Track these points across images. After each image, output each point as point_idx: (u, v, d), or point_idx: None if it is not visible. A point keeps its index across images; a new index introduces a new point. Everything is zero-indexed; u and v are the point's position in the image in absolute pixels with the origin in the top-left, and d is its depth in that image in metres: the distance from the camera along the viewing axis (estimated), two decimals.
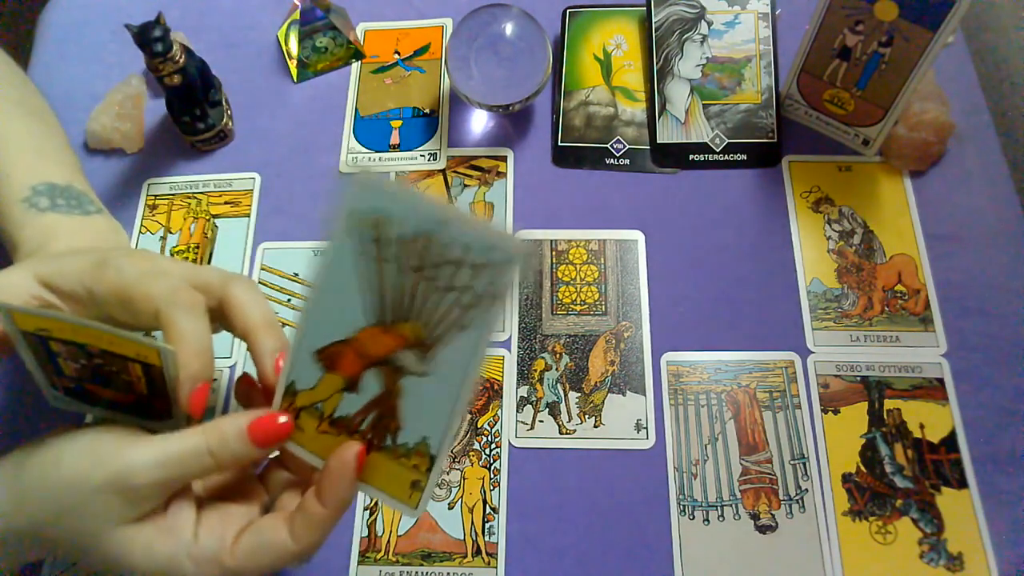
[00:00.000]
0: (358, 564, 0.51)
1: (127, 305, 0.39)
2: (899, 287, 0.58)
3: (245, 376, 0.41)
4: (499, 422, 0.54)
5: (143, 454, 0.35)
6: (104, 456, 0.35)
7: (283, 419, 0.37)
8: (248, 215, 0.63)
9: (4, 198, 0.50)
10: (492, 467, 0.53)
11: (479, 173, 0.63)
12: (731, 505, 0.51)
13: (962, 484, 0.51)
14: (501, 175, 0.63)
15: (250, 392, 0.41)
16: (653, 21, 0.66)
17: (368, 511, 0.52)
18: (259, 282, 0.60)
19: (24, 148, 0.54)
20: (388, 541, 0.51)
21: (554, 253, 0.60)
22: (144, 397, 0.39)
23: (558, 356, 0.56)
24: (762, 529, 0.51)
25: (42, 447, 0.36)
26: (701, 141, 0.63)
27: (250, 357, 0.40)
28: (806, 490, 0.52)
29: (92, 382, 0.39)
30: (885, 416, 0.54)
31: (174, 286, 0.39)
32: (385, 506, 0.35)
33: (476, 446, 0.54)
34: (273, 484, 0.41)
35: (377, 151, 0.65)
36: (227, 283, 0.40)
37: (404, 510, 0.37)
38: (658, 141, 0.63)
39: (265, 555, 0.36)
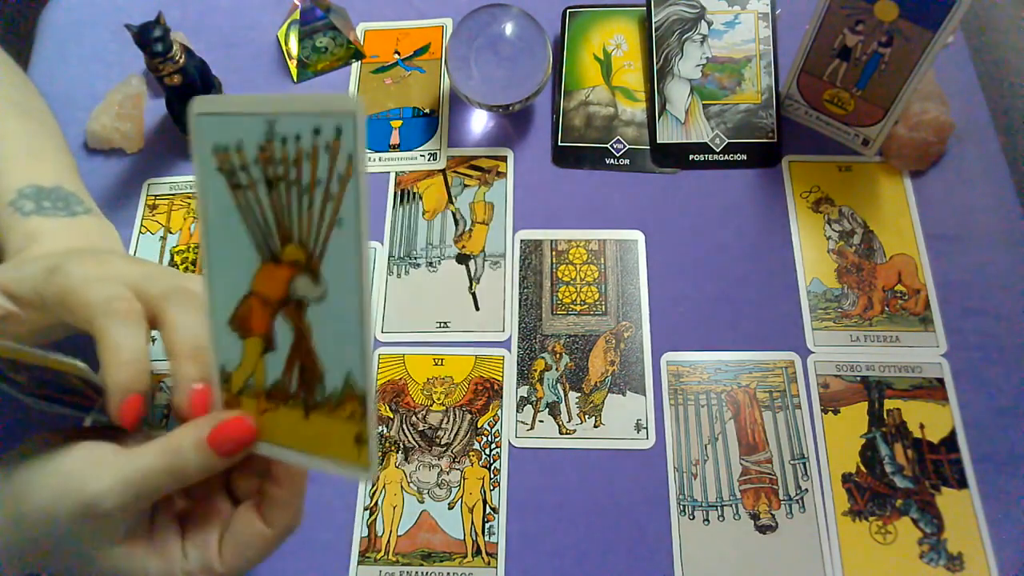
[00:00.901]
0: (358, 564, 0.51)
1: (69, 312, 0.38)
2: (899, 287, 0.58)
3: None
4: (499, 422, 0.54)
5: (106, 480, 0.33)
6: (69, 487, 0.34)
7: (248, 420, 0.34)
8: None
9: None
10: (492, 467, 0.53)
11: (479, 173, 0.63)
12: (731, 505, 0.51)
13: (962, 484, 0.51)
14: (501, 175, 0.63)
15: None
16: (653, 21, 0.66)
17: (368, 511, 0.52)
18: None
19: (15, 149, 0.53)
20: (388, 541, 0.51)
21: (554, 253, 0.60)
22: (83, 401, 0.39)
23: (558, 356, 0.56)
24: (762, 529, 0.51)
25: (11, 478, 0.36)
26: (701, 141, 0.63)
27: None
28: (806, 490, 0.52)
29: (49, 389, 0.38)
30: (885, 416, 0.54)
31: (111, 294, 0.38)
32: (336, 474, 0.32)
33: (476, 446, 0.54)
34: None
35: (377, 151, 0.65)
36: (165, 298, 0.39)
37: (356, 473, 0.32)
38: (658, 141, 0.63)
39: (250, 550, 0.36)
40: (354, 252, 0.29)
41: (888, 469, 0.52)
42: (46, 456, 0.36)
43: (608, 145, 0.64)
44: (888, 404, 0.54)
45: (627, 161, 0.63)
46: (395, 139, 0.65)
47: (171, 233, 0.62)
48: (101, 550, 0.35)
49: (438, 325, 0.58)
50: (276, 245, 0.31)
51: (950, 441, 0.53)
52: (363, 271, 0.29)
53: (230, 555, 0.36)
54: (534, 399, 0.55)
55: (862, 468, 0.52)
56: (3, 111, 0.55)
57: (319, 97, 0.28)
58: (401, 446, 0.54)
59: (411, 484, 0.53)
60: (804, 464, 0.52)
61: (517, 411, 0.55)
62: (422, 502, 0.52)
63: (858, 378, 0.55)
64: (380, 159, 0.64)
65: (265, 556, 0.36)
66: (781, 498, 0.52)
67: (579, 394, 0.55)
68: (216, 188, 0.31)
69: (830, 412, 0.54)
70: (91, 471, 0.34)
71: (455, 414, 0.55)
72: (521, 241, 0.61)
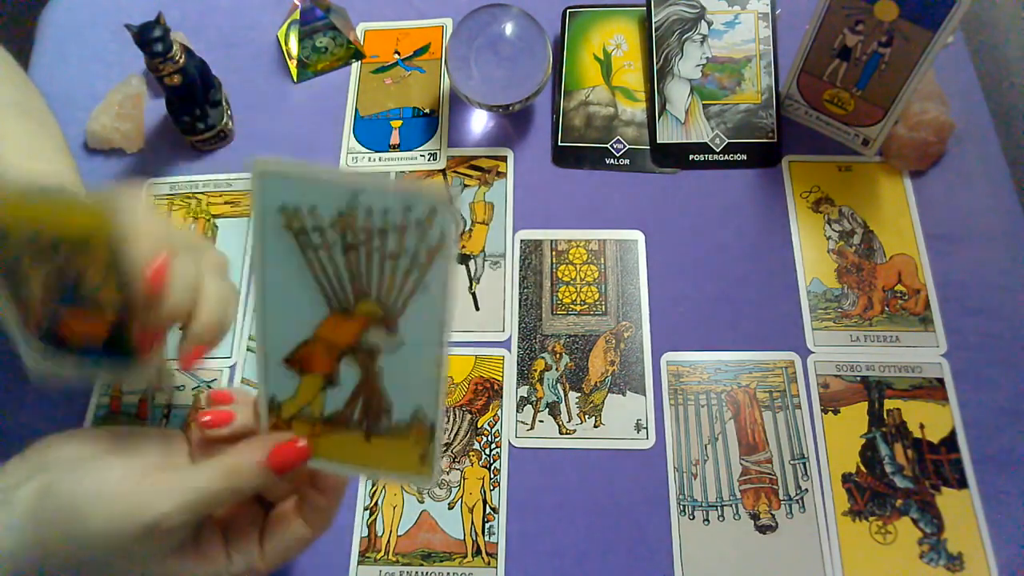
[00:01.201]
0: (358, 564, 0.51)
1: None
2: (899, 287, 0.58)
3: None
4: (499, 422, 0.54)
5: (168, 503, 0.35)
6: (132, 510, 0.35)
7: (301, 443, 0.37)
8: (248, 215, 0.63)
9: None
10: (492, 467, 0.53)
11: (479, 173, 0.63)
12: (731, 505, 0.51)
13: (962, 484, 0.51)
14: (501, 175, 0.63)
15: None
16: (653, 21, 0.66)
17: (368, 511, 0.52)
18: None
19: (15, 150, 0.53)
20: (388, 541, 0.51)
21: (554, 253, 0.60)
22: (116, 322, 0.38)
23: (558, 356, 0.56)
24: (762, 529, 0.51)
25: (56, 493, 0.36)
26: (701, 141, 0.63)
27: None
28: (806, 490, 0.52)
29: (62, 303, 0.38)
30: (885, 416, 0.54)
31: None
32: (400, 484, 0.36)
33: (476, 446, 0.54)
34: None
35: (377, 151, 0.65)
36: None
37: (418, 482, 0.37)
38: (658, 141, 0.63)
39: (292, 550, 0.39)
40: (439, 312, 0.33)
41: (888, 469, 0.52)
42: (94, 470, 0.37)
43: (608, 145, 0.64)
44: (888, 404, 0.54)
45: (627, 161, 0.63)
46: (395, 139, 0.65)
47: None
48: (154, 563, 0.36)
49: None
50: (349, 301, 0.34)
51: (950, 441, 0.53)
52: (445, 329, 0.33)
53: (272, 554, 0.38)
54: (534, 399, 0.55)
55: (862, 468, 0.52)
56: (3, 111, 0.55)
57: (410, 183, 0.32)
58: None
59: (411, 484, 0.53)
60: (804, 464, 0.52)
61: (517, 411, 0.55)
62: (422, 502, 0.52)
63: (858, 378, 0.55)
64: (380, 159, 0.64)
65: (302, 553, 0.40)
66: (781, 498, 0.52)
67: (579, 394, 0.55)
68: (280, 244, 0.33)
69: (830, 412, 0.54)
70: (153, 493, 0.35)
71: (455, 414, 0.55)
72: (521, 241, 0.61)
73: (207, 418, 0.39)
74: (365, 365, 0.35)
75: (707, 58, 0.66)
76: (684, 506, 0.51)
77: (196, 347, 0.41)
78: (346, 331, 0.34)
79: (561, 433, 0.54)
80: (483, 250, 0.60)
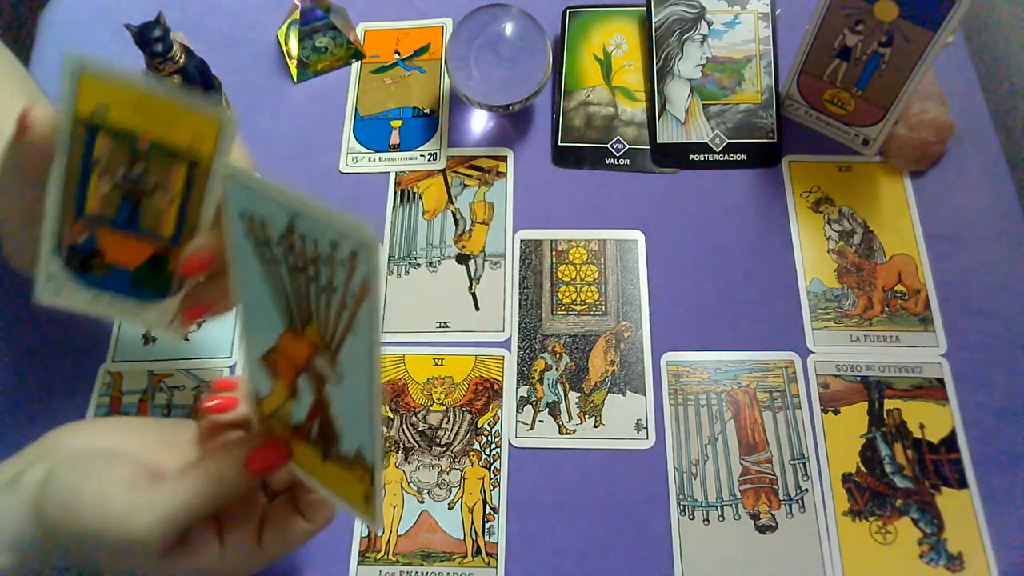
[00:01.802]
0: (358, 564, 0.51)
1: None
2: (899, 287, 0.58)
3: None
4: (499, 422, 0.54)
5: (147, 518, 0.35)
6: (110, 526, 0.35)
7: (281, 446, 0.37)
8: None
9: None
10: (492, 467, 0.53)
11: (479, 173, 0.63)
12: (731, 505, 0.51)
13: (962, 484, 0.51)
14: (501, 175, 0.63)
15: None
16: (653, 21, 0.66)
17: None
18: None
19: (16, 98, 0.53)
20: (388, 541, 0.51)
21: (554, 253, 0.60)
22: (158, 254, 0.38)
23: (558, 356, 0.56)
24: (762, 529, 0.51)
25: (55, 488, 0.36)
26: (701, 141, 0.63)
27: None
28: (806, 490, 0.52)
29: (113, 224, 0.38)
30: (885, 416, 0.54)
31: None
32: (346, 512, 0.36)
33: (476, 446, 0.54)
34: None
35: (377, 151, 0.65)
36: None
37: (365, 521, 0.36)
38: (658, 141, 0.63)
39: (292, 542, 0.39)
40: (367, 359, 0.31)
41: (888, 469, 0.52)
42: (96, 469, 0.37)
43: (608, 145, 0.64)
44: (888, 404, 0.54)
45: (627, 161, 0.63)
46: (395, 139, 0.65)
47: None
48: (145, 561, 0.36)
49: (438, 325, 0.58)
50: (298, 322, 0.33)
51: (950, 441, 0.53)
52: (375, 374, 0.31)
53: (271, 545, 0.38)
54: (534, 399, 0.55)
55: (862, 468, 0.52)
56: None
57: (341, 216, 0.29)
58: (401, 446, 0.54)
59: (411, 484, 0.53)
60: (804, 464, 0.52)
61: (517, 411, 0.55)
62: (422, 502, 0.52)
63: (858, 378, 0.55)
64: (380, 159, 0.64)
65: (304, 544, 0.40)
66: (781, 498, 0.52)
67: (579, 394, 0.55)
68: (244, 248, 0.32)
69: (830, 412, 0.54)
70: (133, 510, 0.35)
71: (455, 414, 0.55)
72: (521, 241, 0.61)
73: (214, 402, 0.39)
74: (317, 388, 0.34)
75: (707, 58, 0.66)
76: (684, 506, 0.51)
77: (209, 301, 0.41)
78: (299, 349, 0.33)
79: (561, 433, 0.54)
80: (483, 250, 0.60)
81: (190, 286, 0.41)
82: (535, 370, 0.56)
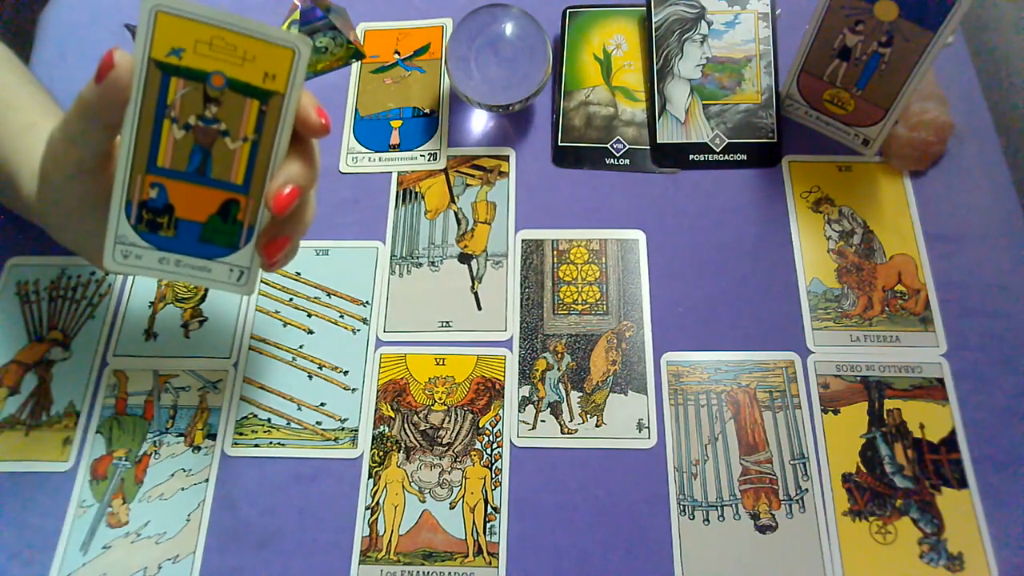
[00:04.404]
0: (359, 564, 0.51)
1: None
2: (899, 287, 0.58)
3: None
4: (500, 422, 0.55)
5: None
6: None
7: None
8: None
9: (32, 142, 0.50)
10: (494, 467, 0.53)
11: (481, 173, 0.63)
12: (731, 505, 0.52)
13: (962, 484, 0.52)
14: (503, 175, 0.63)
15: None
16: (653, 21, 0.66)
17: (369, 511, 0.52)
18: (260, 281, 0.60)
19: (45, 107, 0.54)
20: (389, 541, 0.51)
21: (555, 253, 0.60)
22: (227, 203, 0.39)
23: (560, 356, 0.56)
24: (762, 529, 0.51)
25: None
26: (701, 141, 0.63)
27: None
28: (806, 490, 0.52)
29: (186, 174, 0.38)
30: (885, 416, 0.54)
31: None
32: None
33: (478, 446, 0.54)
34: None
35: (377, 151, 0.65)
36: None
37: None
38: (658, 141, 0.64)
39: None
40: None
41: (888, 469, 0.52)
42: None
43: (608, 145, 0.64)
44: (888, 404, 0.54)
45: (627, 161, 0.64)
46: (395, 139, 0.65)
47: None
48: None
49: (440, 325, 0.58)
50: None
51: (950, 441, 0.53)
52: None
53: None
54: (536, 399, 0.55)
55: (862, 468, 0.52)
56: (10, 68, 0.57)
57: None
58: (403, 446, 0.54)
59: (412, 484, 0.53)
60: (804, 464, 0.53)
61: (519, 411, 0.55)
62: (423, 502, 0.52)
63: (858, 378, 0.55)
64: (380, 159, 0.64)
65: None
66: (781, 498, 0.52)
67: (581, 394, 0.55)
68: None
69: (830, 412, 0.54)
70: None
71: (457, 414, 0.55)
72: (523, 241, 0.61)
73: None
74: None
75: (707, 58, 0.66)
76: (684, 506, 0.52)
77: (289, 234, 0.41)
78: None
79: (563, 433, 0.54)
80: (485, 250, 0.60)
81: (262, 226, 0.41)
82: (537, 370, 0.56)
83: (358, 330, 0.58)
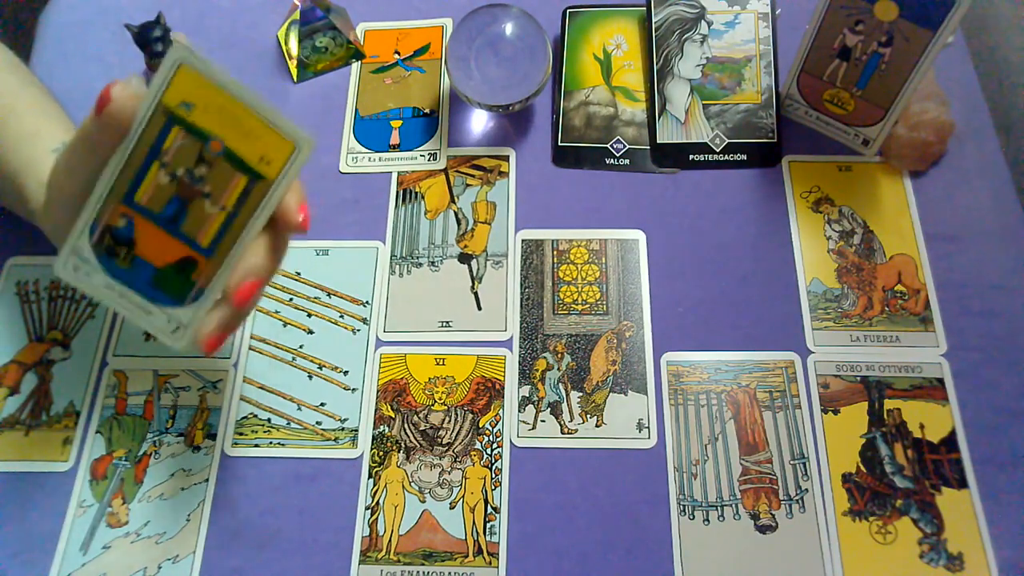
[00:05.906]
0: (359, 564, 0.51)
1: None
2: (899, 287, 0.58)
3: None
4: (500, 422, 0.55)
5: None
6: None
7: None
8: None
9: (36, 152, 0.50)
10: (494, 467, 0.53)
11: (481, 172, 0.63)
12: (731, 505, 0.52)
13: (962, 484, 0.52)
14: (503, 175, 0.63)
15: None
16: (653, 21, 0.66)
17: (369, 511, 0.52)
18: None
19: (46, 111, 0.54)
20: (389, 541, 0.51)
21: (555, 253, 0.60)
22: (187, 259, 0.39)
23: (560, 356, 0.56)
24: (762, 529, 0.51)
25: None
26: (701, 141, 0.63)
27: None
28: (806, 490, 0.52)
29: (158, 217, 0.39)
30: (885, 416, 0.54)
31: None
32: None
33: (478, 446, 0.54)
34: None
35: (377, 151, 0.65)
36: None
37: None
38: (658, 141, 0.64)
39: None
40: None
41: (888, 469, 0.52)
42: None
43: (608, 145, 0.64)
44: (888, 404, 0.54)
45: (627, 161, 0.64)
46: (395, 139, 0.65)
47: None
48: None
49: (440, 325, 0.58)
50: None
51: (950, 441, 0.53)
52: None
53: None
54: (536, 399, 0.55)
55: (862, 468, 0.52)
56: (25, 81, 0.57)
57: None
58: (403, 446, 0.54)
59: (412, 484, 0.53)
60: (804, 464, 0.53)
61: (519, 411, 0.55)
62: (423, 502, 0.52)
63: (858, 378, 0.55)
64: (380, 159, 0.64)
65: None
66: (781, 498, 0.52)
67: (581, 394, 0.55)
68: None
69: (830, 412, 0.54)
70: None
71: (457, 414, 0.55)
72: (523, 241, 0.61)
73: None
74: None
75: (707, 58, 0.66)
76: (684, 506, 0.52)
77: (230, 330, 0.41)
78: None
79: (563, 433, 0.54)
80: (485, 250, 0.60)
81: (208, 306, 0.41)
82: (537, 370, 0.56)
83: (358, 330, 0.58)
